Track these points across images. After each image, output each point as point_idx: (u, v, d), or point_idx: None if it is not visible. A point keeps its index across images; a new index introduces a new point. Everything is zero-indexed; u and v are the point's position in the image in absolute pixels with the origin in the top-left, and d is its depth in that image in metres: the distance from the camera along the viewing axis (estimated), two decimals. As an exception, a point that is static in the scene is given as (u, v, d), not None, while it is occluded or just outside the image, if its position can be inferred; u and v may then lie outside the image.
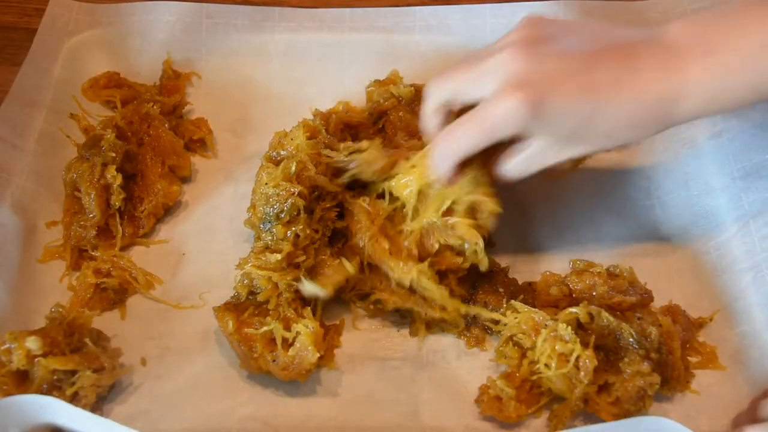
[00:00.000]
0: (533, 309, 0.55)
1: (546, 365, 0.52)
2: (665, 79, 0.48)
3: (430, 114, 0.55)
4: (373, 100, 0.68)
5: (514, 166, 0.53)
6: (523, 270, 0.62)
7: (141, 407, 0.55)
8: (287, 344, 0.54)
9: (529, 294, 0.60)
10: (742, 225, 0.62)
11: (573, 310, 0.54)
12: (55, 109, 0.69)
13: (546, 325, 0.54)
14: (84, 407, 0.52)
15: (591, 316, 0.54)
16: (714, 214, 0.63)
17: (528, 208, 0.66)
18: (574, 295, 0.58)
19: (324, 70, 0.75)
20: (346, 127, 0.68)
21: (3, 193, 0.62)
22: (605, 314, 0.54)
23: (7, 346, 0.52)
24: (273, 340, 0.54)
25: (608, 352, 0.54)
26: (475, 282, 0.60)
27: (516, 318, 0.55)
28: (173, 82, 0.73)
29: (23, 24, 0.77)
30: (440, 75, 0.53)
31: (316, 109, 0.69)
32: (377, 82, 0.70)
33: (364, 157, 0.58)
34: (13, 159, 0.64)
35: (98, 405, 0.54)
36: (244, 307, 0.56)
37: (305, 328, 0.54)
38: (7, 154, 0.64)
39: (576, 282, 0.58)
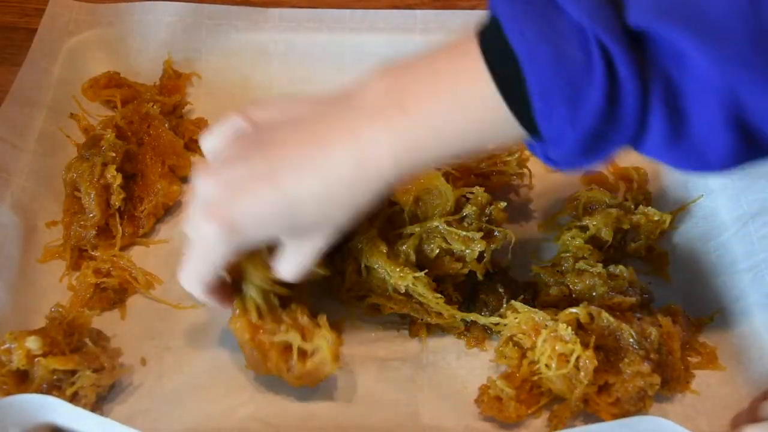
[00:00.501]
0: (533, 309, 0.55)
1: (546, 365, 0.52)
2: (355, 146, 0.44)
3: (206, 301, 0.53)
4: None
5: (287, 270, 0.51)
6: (523, 270, 0.62)
7: (141, 407, 0.54)
8: (304, 356, 0.53)
9: (529, 294, 0.60)
10: (741, 225, 0.62)
11: (573, 310, 0.54)
12: (55, 109, 0.69)
13: (546, 325, 0.54)
14: (84, 407, 0.52)
15: (591, 316, 0.54)
16: (713, 215, 0.63)
17: (527, 208, 0.67)
18: (574, 296, 0.58)
19: (324, 70, 0.75)
20: None
21: (3, 193, 0.62)
22: (605, 314, 0.54)
23: (7, 346, 0.52)
24: (288, 347, 0.53)
25: (608, 352, 0.54)
26: (474, 283, 0.60)
27: (516, 318, 0.55)
28: (174, 81, 0.73)
29: (23, 24, 0.77)
30: (180, 272, 0.52)
31: None
32: None
33: None
34: (13, 159, 0.64)
35: (98, 405, 0.54)
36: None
37: (325, 341, 0.52)
38: (7, 154, 0.64)
39: (576, 283, 0.58)
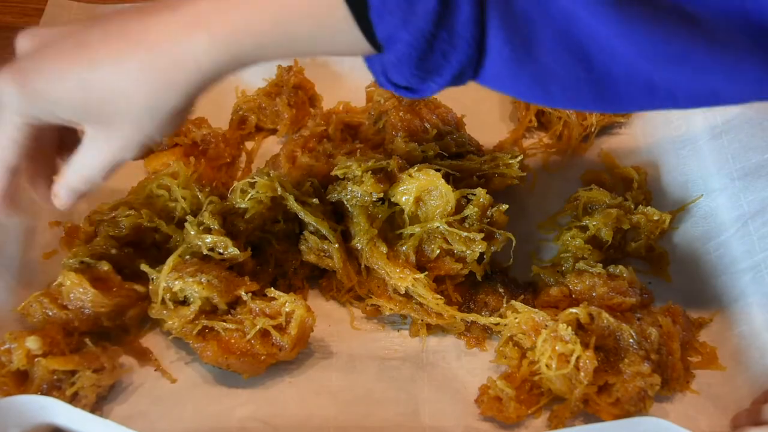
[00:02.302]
0: (533, 309, 0.55)
1: (546, 365, 0.52)
2: (170, 18, 0.40)
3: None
4: (373, 100, 0.68)
5: (75, 167, 0.47)
6: (524, 270, 0.62)
7: (141, 407, 0.55)
8: (283, 329, 0.54)
9: (529, 294, 0.60)
10: (741, 225, 0.62)
11: (573, 310, 0.54)
12: (55, 109, 0.69)
13: (546, 325, 0.54)
14: (84, 407, 0.52)
15: (591, 316, 0.54)
16: (713, 215, 0.63)
17: (528, 208, 0.67)
18: (574, 296, 0.58)
19: (324, 71, 0.75)
20: (347, 127, 0.68)
21: (3, 193, 0.62)
22: (605, 315, 0.54)
23: (7, 346, 0.53)
24: (266, 333, 0.54)
25: (608, 352, 0.54)
26: (475, 283, 0.60)
27: (516, 318, 0.55)
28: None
29: (23, 24, 0.76)
30: None
31: (320, 110, 0.70)
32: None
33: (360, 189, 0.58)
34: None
35: (98, 405, 0.54)
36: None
37: (290, 303, 0.54)
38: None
39: (576, 283, 0.58)
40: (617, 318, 0.54)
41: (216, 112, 0.72)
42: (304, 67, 0.73)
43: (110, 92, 0.42)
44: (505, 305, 0.58)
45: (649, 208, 0.62)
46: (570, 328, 0.52)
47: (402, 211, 0.58)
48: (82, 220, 0.63)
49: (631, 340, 0.53)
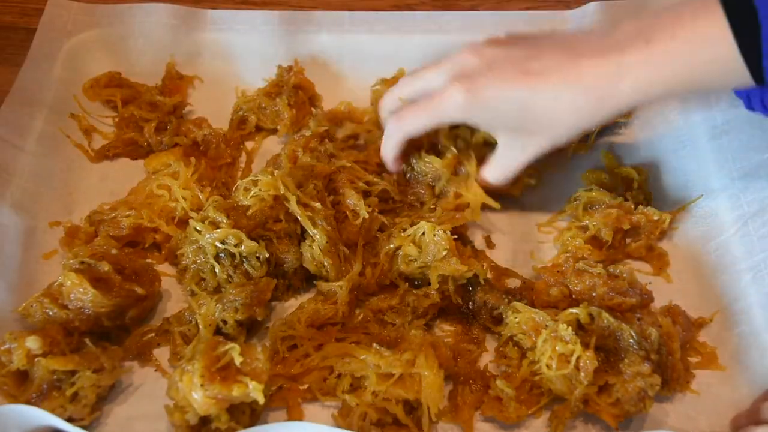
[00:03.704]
0: (533, 309, 0.55)
1: (547, 366, 0.52)
2: (604, 65, 0.52)
3: (392, 100, 0.62)
4: (379, 99, 0.68)
5: (493, 170, 0.60)
6: (523, 270, 0.62)
7: (141, 408, 0.54)
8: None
9: (528, 293, 0.60)
10: (741, 225, 0.62)
11: (573, 310, 0.54)
12: (55, 109, 0.69)
13: (546, 325, 0.54)
14: (84, 407, 0.52)
15: (591, 316, 0.54)
16: (713, 215, 0.63)
17: (528, 208, 0.67)
18: (574, 296, 0.58)
19: (324, 71, 0.75)
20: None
21: (3, 193, 0.62)
22: (605, 315, 0.54)
23: (7, 346, 0.52)
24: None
25: (608, 353, 0.54)
26: (475, 283, 0.60)
27: (516, 318, 0.55)
28: (175, 82, 0.73)
29: (23, 24, 0.77)
30: (412, 71, 0.62)
31: (321, 110, 0.70)
32: (384, 81, 0.70)
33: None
34: (14, 159, 0.64)
35: (98, 405, 0.54)
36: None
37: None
38: (8, 154, 0.64)
39: (576, 283, 0.58)
40: (617, 318, 0.54)
41: (216, 112, 0.72)
42: (304, 67, 0.73)
43: (543, 113, 0.54)
44: (504, 305, 0.58)
45: (649, 208, 0.62)
46: (570, 328, 0.52)
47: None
48: (82, 220, 0.63)
49: (631, 340, 0.53)
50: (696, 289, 0.61)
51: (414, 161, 0.63)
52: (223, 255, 0.57)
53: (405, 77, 0.62)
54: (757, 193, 0.62)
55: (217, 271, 0.57)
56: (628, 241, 0.63)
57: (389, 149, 0.62)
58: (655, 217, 0.62)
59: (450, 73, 0.56)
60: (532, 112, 0.54)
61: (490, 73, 0.55)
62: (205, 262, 0.57)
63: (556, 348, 0.52)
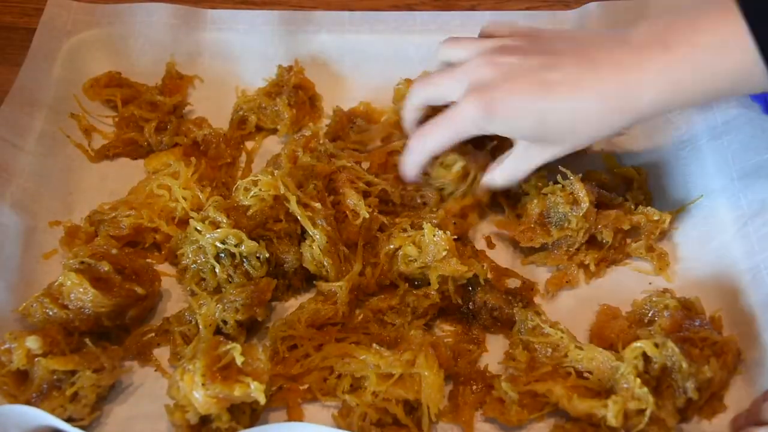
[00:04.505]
0: (597, 348, 0.53)
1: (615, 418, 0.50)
2: (623, 74, 0.51)
3: (411, 110, 0.61)
4: (401, 99, 0.68)
5: (502, 171, 0.59)
6: (523, 270, 0.62)
7: (141, 408, 0.54)
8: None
9: (528, 294, 0.60)
10: (741, 225, 0.62)
11: (638, 344, 0.52)
12: (55, 109, 0.69)
13: (611, 366, 0.52)
14: (84, 407, 0.52)
15: (656, 345, 0.52)
16: (713, 215, 0.63)
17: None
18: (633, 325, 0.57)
19: (324, 71, 0.75)
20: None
21: (3, 193, 0.62)
22: (671, 344, 0.51)
23: (7, 346, 0.52)
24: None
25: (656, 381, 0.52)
26: (475, 283, 0.60)
27: (579, 355, 0.54)
28: (175, 82, 0.73)
29: (23, 24, 0.77)
30: (423, 78, 0.60)
31: (337, 107, 0.70)
32: (407, 81, 0.69)
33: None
34: (14, 159, 0.64)
35: (98, 405, 0.54)
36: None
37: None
38: (8, 154, 0.64)
39: (646, 311, 0.57)
40: (682, 351, 0.51)
41: (216, 112, 0.72)
42: (304, 67, 0.73)
43: (562, 123, 0.53)
44: (504, 304, 0.58)
45: (649, 208, 0.62)
46: (646, 389, 0.50)
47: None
48: (82, 220, 0.63)
49: (678, 376, 0.51)
50: (696, 290, 0.60)
51: (430, 169, 0.63)
52: (223, 255, 0.57)
53: (418, 82, 0.60)
54: (757, 194, 0.62)
55: (217, 271, 0.57)
56: (628, 241, 0.63)
57: (411, 167, 0.61)
58: (655, 217, 0.62)
59: (465, 85, 0.55)
60: (552, 123, 0.53)
61: (506, 85, 0.53)
62: (206, 262, 0.57)
63: (629, 405, 0.50)
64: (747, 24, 0.46)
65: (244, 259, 0.57)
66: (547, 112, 0.53)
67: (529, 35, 0.57)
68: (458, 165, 0.61)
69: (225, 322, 0.56)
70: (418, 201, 0.64)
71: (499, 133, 0.57)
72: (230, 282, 0.57)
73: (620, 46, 0.52)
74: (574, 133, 0.54)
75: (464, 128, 0.56)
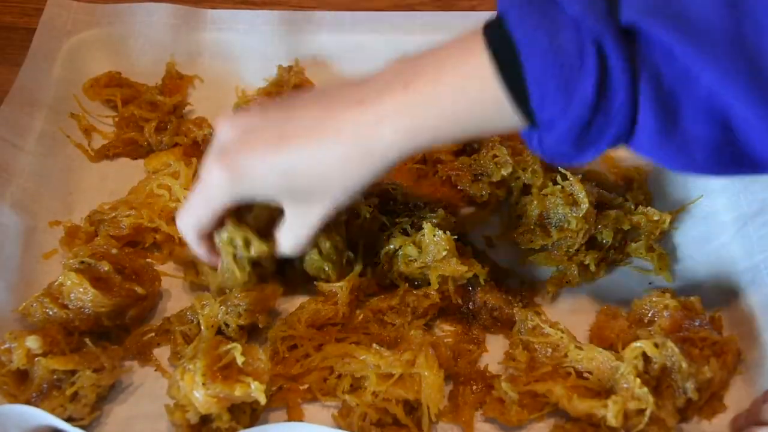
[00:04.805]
0: (596, 348, 0.53)
1: (615, 418, 0.50)
2: (361, 114, 0.46)
3: (196, 247, 0.55)
4: None
5: (284, 241, 0.54)
6: (522, 270, 0.63)
7: (141, 407, 0.54)
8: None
9: (528, 293, 0.61)
10: (741, 225, 0.62)
11: (638, 344, 0.52)
12: (55, 109, 0.69)
13: (610, 366, 0.52)
14: (84, 407, 0.52)
15: (656, 345, 0.52)
16: (713, 215, 0.63)
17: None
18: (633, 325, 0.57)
19: (324, 71, 0.75)
20: None
21: (3, 193, 0.62)
22: (670, 344, 0.51)
23: (7, 345, 0.52)
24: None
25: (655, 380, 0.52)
26: (475, 283, 0.60)
27: (579, 355, 0.53)
28: (175, 82, 0.73)
29: (23, 24, 0.77)
30: (179, 210, 0.55)
31: None
32: None
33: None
34: (14, 159, 0.64)
35: (98, 405, 0.54)
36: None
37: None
38: (8, 153, 0.64)
39: (646, 311, 0.57)
40: (682, 351, 0.51)
41: (216, 112, 0.72)
42: (305, 67, 0.73)
43: (311, 178, 0.48)
44: (505, 303, 0.58)
45: (649, 208, 0.62)
46: (646, 389, 0.50)
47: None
48: (82, 219, 0.63)
49: (678, 376, 0.51)
50: (696, 290, 0.60)
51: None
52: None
53: (183, 211, 0.54)
54: (757, 194, 0.62)
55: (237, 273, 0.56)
56: (628, 241, 0.63)
57: (196, 251, 0.56)
58: (655, 217, 0.62)
59: (213, 152, 0.51)
60: (298, 178, 0.48)
61: (246, 146, 0.49)
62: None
63: (629, 405, 0.50)
64: (492, 59, 0.42)
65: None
66: (290, 168, 0.48)
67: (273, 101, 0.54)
68: (223, 235, 0.55)
69: (227, 325, 0.56)
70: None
71: (255, 197, 0.51)
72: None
73: (361, 89, 0.47)
74: (325, 186, 0.49)
75: (216, 197, 0.51)
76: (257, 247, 0.54)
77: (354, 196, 0.50)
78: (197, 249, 0.55)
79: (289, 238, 0.54)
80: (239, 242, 0.54)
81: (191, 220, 0.53)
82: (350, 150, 0.47)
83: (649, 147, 0.41)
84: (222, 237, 0.54)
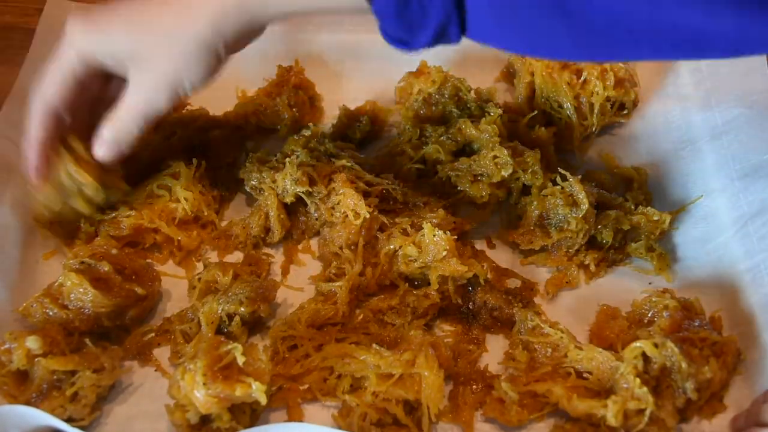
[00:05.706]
0: (596, 348, 0.53)
1: (614, 418, 0.50)
2: None
3: (35, 138, 0.56)
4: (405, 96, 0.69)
5: (110, 131, 0.54)
6: (522, 270, 0.63)
7: (141, 407, 0.54)
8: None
9: (528, 294, 0.61)
10: (741, 226, 0.62)
11: (638, 344, 0.52)
12: (55, 109, 0.69)
13: (610, 366, 0.52)
14: (84, 407, 0.52)
15: (656, 345, 0.52)
16: (713, 215, 0.63)
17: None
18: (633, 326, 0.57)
19: (324, 71, 0.75)
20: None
21: (3, 193, 0.62)
22: (670, 345, 0.52)
23: (7, 346, 0.52)
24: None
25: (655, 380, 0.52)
26: (474, 282, 0.60)
27: (579, 355, 0.54)
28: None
29: (23, 24, 0.77)
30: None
31: (342, 105, 0.70)
32: (409, 75, 0.70)
33: None
34: (14, 159, 0.64)
35: (98, 405, 0.54)
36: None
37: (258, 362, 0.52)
38: (8, 153, 0.64)
39: (646, 311, 0.57)
40: (682, 351, 0.51)
41: (216, 112, 0.72)
42: (305, 67, 0.73)
43: (157, 35, 0.50)
44: (505, 303, 0.58)
45: (649, 208, 0.62)
46: (646, 389, 0.50)
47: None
48: (82, 220, 0.63)
49: (678, 377, 0.51)
50: (696, 290, 0.60)
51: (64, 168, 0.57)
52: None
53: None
54: (757, 194, 0.62)
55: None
56: (628, 241, 0.63)
57: (31, 138, 0.56)
58: (655, 218, 0.62)
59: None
60: (147, 34, 0.51)
61: (104, 10, 0.52)
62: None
63: (629, 405, 0.50)
64: None
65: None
66: (140, 21, 0.51)
67: None
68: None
69: (229, 319, 0.56)
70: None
71: (103, 60, 0.52)
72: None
73: None
74: (169, 47, 0.51)
75: (66, 54, 0.52)
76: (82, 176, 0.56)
77: (193, 69, 0.52)
78: (33, 142, 0.55)
79: (117, 116, 0.53)
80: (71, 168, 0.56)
81: (39, 91, 0.54)
82: (196, 16, 0.50)
83: (485, 33, 0.43)
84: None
